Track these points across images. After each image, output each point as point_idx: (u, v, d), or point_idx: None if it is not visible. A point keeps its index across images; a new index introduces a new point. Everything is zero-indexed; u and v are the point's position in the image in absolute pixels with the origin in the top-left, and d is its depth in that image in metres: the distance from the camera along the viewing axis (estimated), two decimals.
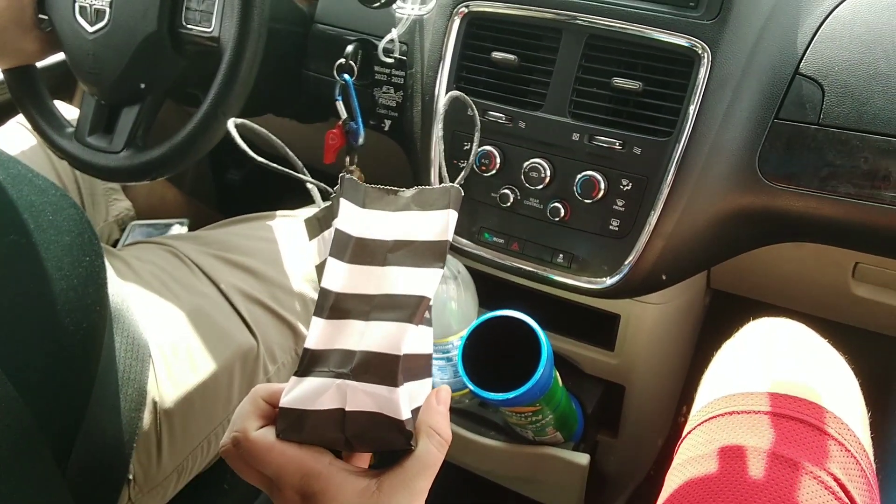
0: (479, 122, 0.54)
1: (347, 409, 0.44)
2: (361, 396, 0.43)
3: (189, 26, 0.81)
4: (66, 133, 0.90)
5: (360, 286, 0.46)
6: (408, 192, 0.48)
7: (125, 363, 0.71)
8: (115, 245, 1.12)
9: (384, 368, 0.43)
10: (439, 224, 0.47)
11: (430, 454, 0.45)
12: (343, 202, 0.47)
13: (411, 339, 0.44)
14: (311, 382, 0.44)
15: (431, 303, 0.46)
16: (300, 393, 0.44)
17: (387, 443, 0.45)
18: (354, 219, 0.47)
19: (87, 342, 0.62)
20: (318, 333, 0.45)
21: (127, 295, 0.77)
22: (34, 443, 0.55)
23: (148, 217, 1.18)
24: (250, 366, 0.84)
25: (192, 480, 0.83)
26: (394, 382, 0.43)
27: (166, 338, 0.79)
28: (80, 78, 0.86)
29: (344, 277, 0.46)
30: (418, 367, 0.47)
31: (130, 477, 0.73)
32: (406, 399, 0.44)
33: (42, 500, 0.56)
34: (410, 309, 0.44)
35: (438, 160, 0.86)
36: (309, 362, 0.44)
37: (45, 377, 0.57)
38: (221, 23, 0.79)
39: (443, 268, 0.46)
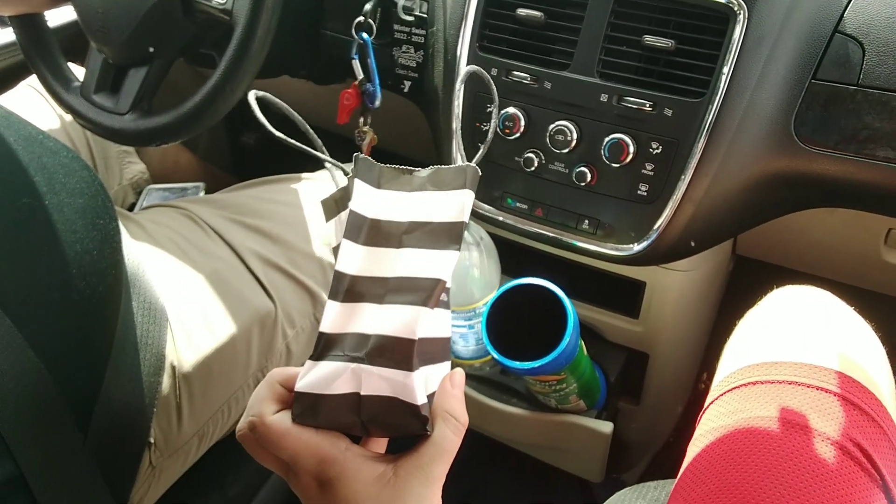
0: (497, 99, 0.53)
1: (363, 393, 0.43)
2: (377, 381, 0.43)
3: None
4: (72, 87, 0.89)
5: (375, 269, 0.45)
6: (423, 172, 0.47)
7: (143, 327, 0.71)
8: (130, 209, 1.12)
9: (399, 353, 0.43)
10: (455, 205, 0.46)
11: (447, 439, 0.44)
12: (357, 183, 0.46)
13: (427, 323, 0.43)
14: (326, 366, 0.43)
15: (448, 285, 0.45)
16: (315, 377, 0.43)
17: (403, 428, 0.44)
18: (369, 200, 0.46)
19: (104, 306, 0.62)
20: (333, 317, 0.44)
21: (143, 259, 0.76)
22: (56, 408, 0.55)
23: (162, 181, 1.17)
24: (268, 330, 0.84)
25: (214, 446, 0.83)
26: (409, 367, 0.43)
27: (183, 302, 0.78)
28: (88, 34, 0.84)
29: (359, 260, 0.45)
30: (435, 350, 0.47)
31: (151, 441, 0.72)
32: (422, 384, 0.44)
33: (65, 465, 0.57)
34: (426, 292, 0.44)
35: (458, 137, 0.84)
36: (324, 346, 0.44)
37: (63, 342, 0.57)
38: None
39: (458, 250, 0.45)
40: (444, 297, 0.46)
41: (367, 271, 0.45)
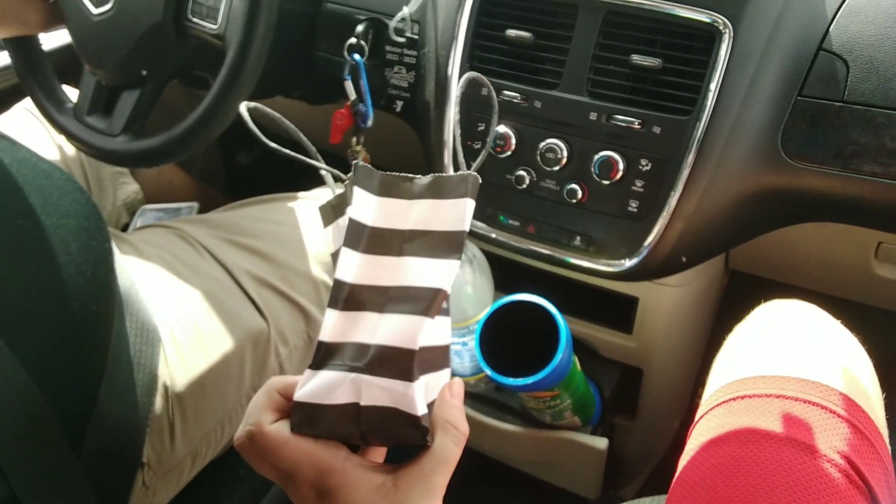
0: (496, 104, 0.53)
1: (362, 403, 0.43)
2: (376, 391, 0.43)
3: (195, 20, 0.80)
4: (65, 109, 0.89)
5: (375, 277, 0.45)
6: (424, 180, 0.47)
7: (136, 347, 0.71)
8: (124, 229, 1.12)
9: (399, 363, 0.43)
10: (456, 213, 0.46)
11: (448, 450, 0.44)
12: (357, 190, 0.46)
13: (427, 332, 0.43)
14: (325, 376, 0.43)
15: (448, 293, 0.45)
16: (314, 387, 0.43)
17: (403, 438, 0.44)
18: (369, 207, 0.46)
19: (97, 326, 0.62)
20: (332, 325, 0.44)
21: (136, 279, 0.77)
22: (49, 428, 0.55)
23: (157, 201, 1.18)
24: (261, 349, 0.84)
25: (208, 465, 0.83)
26: (409, 377, 0.42)
27: (176, 322, 0.78)
28: (82, 57, 0.85)
29: (358, 268, 0.45)
30: (435, 358, 0.46)
31: (144, 461, 0.72)
32: (422, 394, 0.43)
33: (58, 485, 0.57)
34: (426, 302, 0.43)
35: (453, 143, 0.85)
36: (323, 355, 0.44)
37: (56, 362, 0.57)
38: (227, 22, 0.77)
39: (460, 259, 0.45)
40: (444, 304, 0.46)
41: (367, 280, 0.45)
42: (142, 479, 0.73)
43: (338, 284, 0.44)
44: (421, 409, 0.43)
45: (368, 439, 0.44)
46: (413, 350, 0.42)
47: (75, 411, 0.59)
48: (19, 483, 0.52)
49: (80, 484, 0.59)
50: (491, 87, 0.52)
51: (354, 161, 0.46)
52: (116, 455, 0.66)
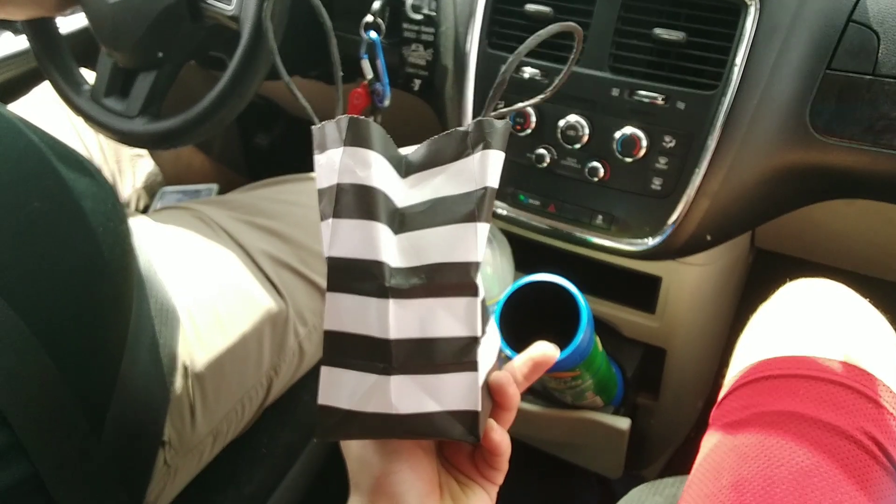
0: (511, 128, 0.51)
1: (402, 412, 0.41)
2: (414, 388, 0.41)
3: (209, 2, 0.80)
4: (82, 91, 0.90)
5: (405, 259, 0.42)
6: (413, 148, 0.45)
7: (155, 328, 0.71)
8: (145, 211, 1.12)
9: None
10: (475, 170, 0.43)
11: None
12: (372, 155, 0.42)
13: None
14: (351, 375, 0.42)
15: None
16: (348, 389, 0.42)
17: (447, 433, 0.42)
18: (382, 173, 0.43)
19: (116, 307, 0.63)
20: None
21: (155, 260, 0.77)
22: (70, 409, 0.56)
23: (176, 182, 1.18)
24: (280, 329, 0.84)
25: (229, 445, 0.84)
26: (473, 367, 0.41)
27: (195, 302, 0.79)
28: (98, 39, 0.85)
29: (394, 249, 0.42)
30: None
31: (166, 440, 0.73)
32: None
33: (80, 464, 0.57)
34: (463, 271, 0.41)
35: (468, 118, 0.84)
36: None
37: (77, 344, 0.57)
38: (242, 3, 0.77)
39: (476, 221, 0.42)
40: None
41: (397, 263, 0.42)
42: (163, 457, 0.74)
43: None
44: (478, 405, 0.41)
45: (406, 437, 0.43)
46: (476, 337, 0.41)
47: (96, 392, 0.60)
48: (42, 463, 0.53)
49: (102, 463, 0.60)
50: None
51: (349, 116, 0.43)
52: (138, 434, 0.67)
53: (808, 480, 0.49)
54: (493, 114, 0.43)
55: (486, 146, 0.42)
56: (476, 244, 0.41)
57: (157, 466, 0.73)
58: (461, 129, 0.43)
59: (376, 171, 0.42)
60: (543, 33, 0.43)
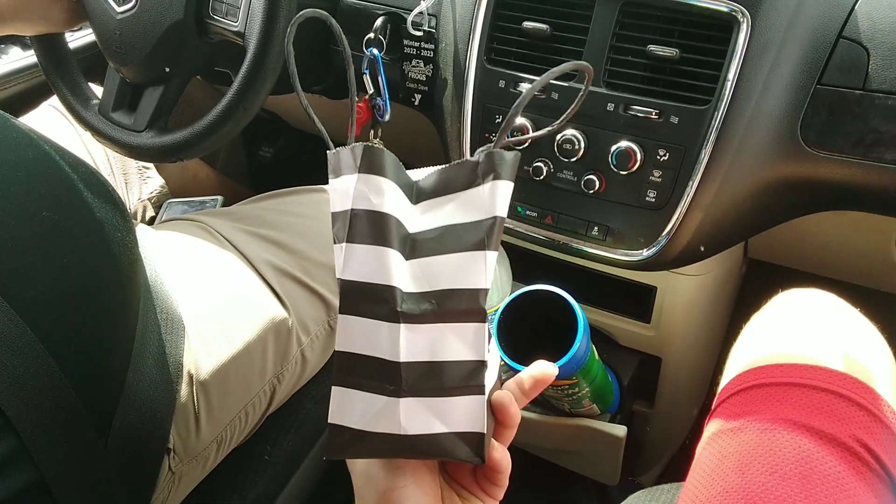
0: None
1: (410, 433, 0.42)
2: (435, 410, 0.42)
3: (216, 18, 0.81)
4: (90, 105, 0.91)
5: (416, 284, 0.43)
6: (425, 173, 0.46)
7: (161, 337, 0.72)
8: (151, 223, 1.13)
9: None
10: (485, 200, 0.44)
11: None
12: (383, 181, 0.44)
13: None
14: (363, 397, 0.43)
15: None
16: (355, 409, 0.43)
17: (453, 454, 0.43)
18: (394, 199, 0.44)
19: (123, 316, 0.63)
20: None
21: (161, 270, 0.78)
22: (76, 415, 0.56)
23: (181, 195, 1.19)
24: (283, 338, 0.85)
25: (233, 452, 0.84)
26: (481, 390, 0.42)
27: (200, 312, 0.80)
28: (106, 55, 0.87)
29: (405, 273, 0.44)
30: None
31: (170, 447, 0.74)
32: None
33: (86, 470, 0.58)
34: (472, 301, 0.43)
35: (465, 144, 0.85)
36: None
37: (83, 351, 0.58)
38: (248, 19, 0.78)
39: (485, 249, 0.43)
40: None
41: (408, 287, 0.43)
42: (168, 464, 0.74)
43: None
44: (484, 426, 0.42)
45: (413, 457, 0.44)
46: (483, 361, 0.42)
47: (103, 399, 0.61)
48: (48, 469, 0.53)
49: (108, 469, 0.60)
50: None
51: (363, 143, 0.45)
52: (143, 441, 0.67)
53: (802, 489, 0.50)
54: (505, 140, 0.45)
55: (496, 177, 0.43)
56: (485, 272, 0.42)
57: (162, 473, 0.73)
58: (472, 159, 0.44)
59: (389, 198, 0.43)
60: (556, 71, 0.44)
